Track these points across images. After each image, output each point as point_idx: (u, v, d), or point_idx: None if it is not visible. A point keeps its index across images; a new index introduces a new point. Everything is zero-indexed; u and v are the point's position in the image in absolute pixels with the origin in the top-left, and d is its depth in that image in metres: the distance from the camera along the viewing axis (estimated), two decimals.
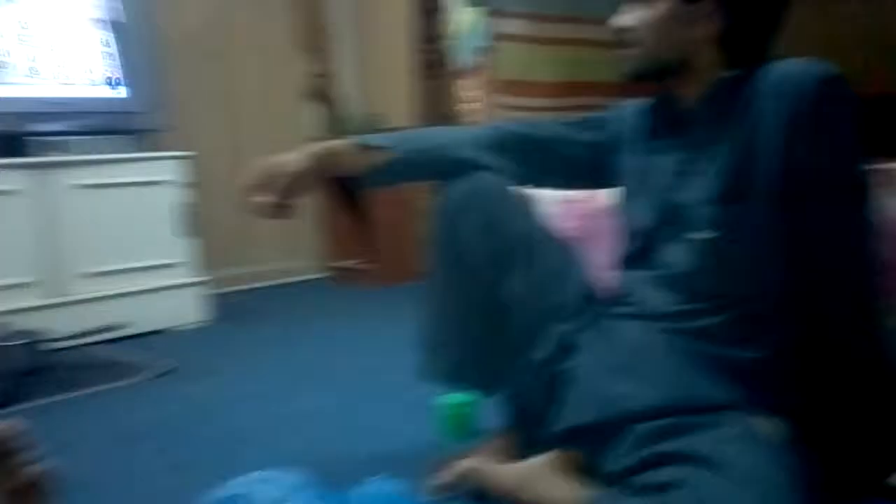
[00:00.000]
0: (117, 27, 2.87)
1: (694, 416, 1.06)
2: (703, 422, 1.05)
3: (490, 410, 1.44)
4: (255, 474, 1.13)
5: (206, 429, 1.78)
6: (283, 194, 1.29)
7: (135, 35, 2.90)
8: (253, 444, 1.65)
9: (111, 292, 2.70)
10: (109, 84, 2.88)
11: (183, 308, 2.86)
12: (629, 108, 1.38)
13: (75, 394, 2.07)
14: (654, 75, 1.24)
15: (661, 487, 0.99)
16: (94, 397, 2.06)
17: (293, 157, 1.31)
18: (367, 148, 1.36)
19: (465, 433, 1.55)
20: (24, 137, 2.65)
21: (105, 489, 1.44)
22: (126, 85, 2.89)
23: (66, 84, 2.77)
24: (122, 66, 2.89)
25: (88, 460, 1.59)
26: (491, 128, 1.45)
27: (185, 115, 3.20)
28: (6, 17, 2.63)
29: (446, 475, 1.28)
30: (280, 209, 1.30)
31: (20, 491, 0.81)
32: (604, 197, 1.51)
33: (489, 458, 1.29)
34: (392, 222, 3.45)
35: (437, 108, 3.29)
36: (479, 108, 1.67)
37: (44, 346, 2.24)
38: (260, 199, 1.29)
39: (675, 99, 1.25)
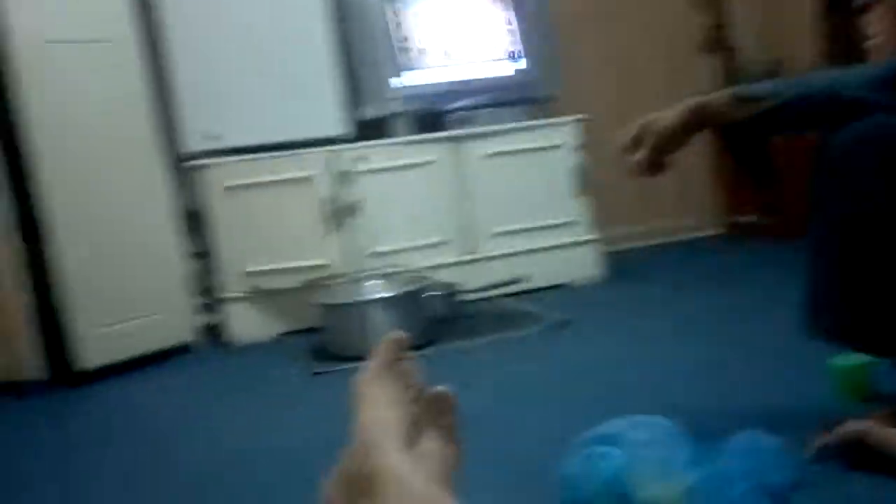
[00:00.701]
0: (517, 2, 3.08)
1: None
2: None
3: (889, 373, 1.32)
4: (629, 418, 1.19)
5: (591, 378, 1.88)
6: (654, 151, 1.31)
7: (531, 8, 3.08)
8: (631, 394, 1.71)
9: (514, 250, 2.94)
10: (511, 58, 3.10)
11: (578, 265, 3.01)
12: None
13: (480, 340, 2.32)
14: None
15: None
16: (496, 344, 2.29)
17: (666, 114, 1.32)
18: (746, 99, 1.32)
19: (859, 396, 1.44)
20: (440, 114, 2.99)
21: (492, 424, 1.59)
22: (525, 57, 3.10)
23: (474, 63, 3.05)
24: (520, 39, 3.09)
25: (482, 399, 1.77)
26: (887, 65, 1.31)
27: (579, 79, 3.32)
28: (423, 11, 2.98)
29: (833, 436, 1.21)
30: (652, 166, 1.32)
31: (428, 405, 0.82)
32: None
33: (882, 424, 1.19)
34: (797, 173, 3.22)
35: (842, 48, 2.99)
36: (886, 44, 1.50)
37: (457, 298, 2.54)
38: (633, 156, 1.33)
39: None
